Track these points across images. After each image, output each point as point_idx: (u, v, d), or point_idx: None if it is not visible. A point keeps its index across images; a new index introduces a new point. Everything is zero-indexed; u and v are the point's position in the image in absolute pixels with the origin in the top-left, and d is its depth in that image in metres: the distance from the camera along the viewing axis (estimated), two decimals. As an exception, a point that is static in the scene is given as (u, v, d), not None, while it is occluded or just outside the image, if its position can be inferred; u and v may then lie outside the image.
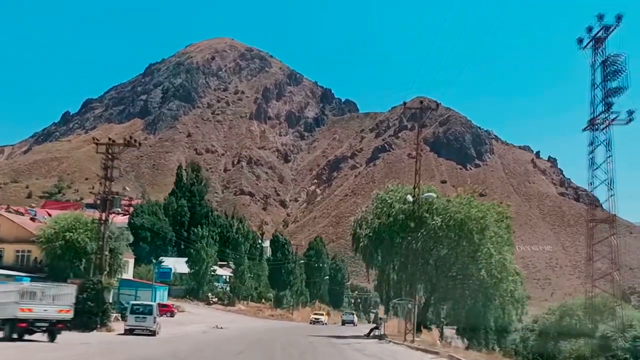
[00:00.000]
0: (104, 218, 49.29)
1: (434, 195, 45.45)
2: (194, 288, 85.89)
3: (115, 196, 52.19)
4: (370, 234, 48.07)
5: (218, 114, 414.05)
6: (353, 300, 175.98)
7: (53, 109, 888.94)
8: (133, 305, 44.29)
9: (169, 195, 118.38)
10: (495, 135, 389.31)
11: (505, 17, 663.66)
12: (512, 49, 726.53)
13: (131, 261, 78.01)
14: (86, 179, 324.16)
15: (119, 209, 64.36)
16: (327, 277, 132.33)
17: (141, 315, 42.10)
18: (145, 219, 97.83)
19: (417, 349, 35.31)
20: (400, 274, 47.69)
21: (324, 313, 78.33)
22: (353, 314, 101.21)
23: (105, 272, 53.10)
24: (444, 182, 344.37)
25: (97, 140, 58.46)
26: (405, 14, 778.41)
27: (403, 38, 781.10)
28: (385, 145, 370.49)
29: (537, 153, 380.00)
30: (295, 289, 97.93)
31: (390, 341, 43.22)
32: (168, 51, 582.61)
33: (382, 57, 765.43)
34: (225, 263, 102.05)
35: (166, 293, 77.47)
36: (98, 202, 51.34)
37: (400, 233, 45.83)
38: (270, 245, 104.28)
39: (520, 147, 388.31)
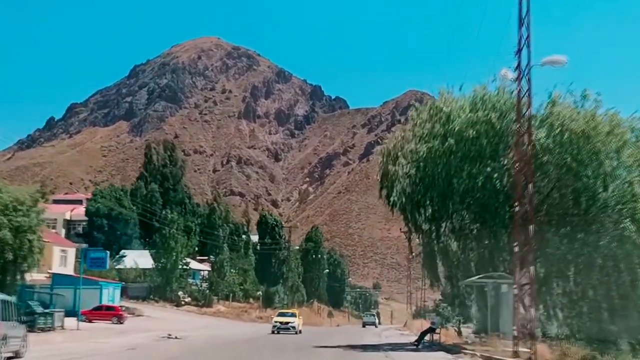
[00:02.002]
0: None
1: (563, 59, 22.98)
2: (160, 286, 65.41)
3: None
4: (412, 172, 27.83)
5: (206, 114, 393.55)
6: (353, 300, 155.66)
7: (38, 115, 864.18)
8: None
9: (137, 179, 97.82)
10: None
11: (495, 10, 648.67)
12: (503, 38, 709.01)
13: (71, 251, 57.39)
14: (70, 183, 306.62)
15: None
16: (327, 270, 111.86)
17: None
18: (101, 202, 77.35)
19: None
20: (467, 240, 27.52)
21: (296, 313, 50.16)
22: (374, 315, 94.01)
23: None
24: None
25: None
26: (393, 8, 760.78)
27: (391, 32, 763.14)
28: (378, 140, 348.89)
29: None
30: (289, 284, 76.47)
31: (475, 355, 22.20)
32: (153, 52, 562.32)
33: (371, 52, 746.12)
34: (207, 258, 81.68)
35: (118, 292, 57.10)
36: None
37: (466, 167, 25.58)
38: (257, 228, 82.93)
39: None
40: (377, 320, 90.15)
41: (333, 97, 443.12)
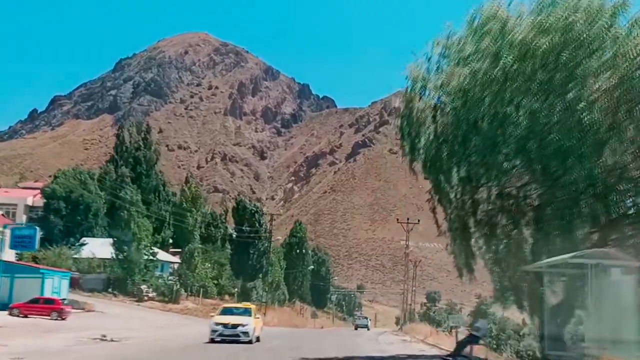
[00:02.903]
0: None
1: None
2: (121, 278, 56.16)
3: None
4: (446, 111, 18.92)
5: (191, 110, 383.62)
6: (337, 301, 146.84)
7: (21, 107, 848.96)
8: None
9: (106, 163, 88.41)
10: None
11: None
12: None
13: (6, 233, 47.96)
14: (50, 176, 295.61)
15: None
16: (312, 267, 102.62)
17: None
18: (60, 184, 68.01)
19: None
20: (522, 209, 18.49)
21: (252, 309, 31.58)
22: (367, 318, 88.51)
23: None
24: (427, 178, 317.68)
25: None
26: (383, 8, 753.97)
27: (381, 32, 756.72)
28: (366, 140, 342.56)
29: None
30: (269, 279, 66.59)
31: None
32: (140, 46, 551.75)
33: (361, 52, 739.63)
34: (180, 251, 72.37)
35: (66, 283, 47.85)
36: None
37: (528, 99, 16.65)
38: (232, 215, 72.27)
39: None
40: (370, 324, 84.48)
41: (321, 97, 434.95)
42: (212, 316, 30.97)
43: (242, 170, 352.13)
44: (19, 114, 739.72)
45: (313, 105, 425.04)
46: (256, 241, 60.19)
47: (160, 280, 58.74)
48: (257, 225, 61.01)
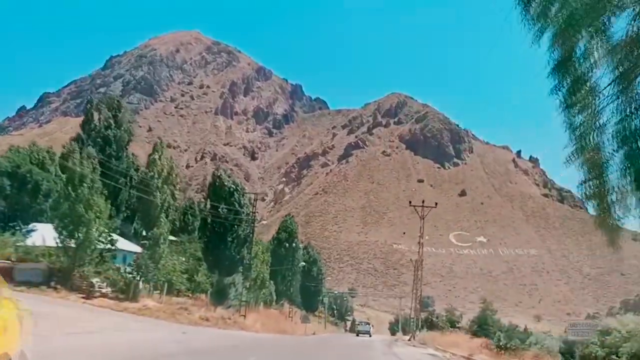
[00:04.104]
0: None
1: None
2: (66, 269, 44.23)
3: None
4: None
5: (182, 109, 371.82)
6: (328, 304, 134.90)
7: (10, 105, 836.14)
8: None
9: (71, 141, 76.21)
10: (474, 135, 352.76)
11: (481, 14, 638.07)
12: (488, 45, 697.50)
13: None
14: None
15: None
16: (304, 264, 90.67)
17: None
18: (8, 158, 56.16)
19: None
20: None
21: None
22: (369, 324, 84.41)
23: None
24: (420, 181, 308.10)
25: None
26: (376, 10, 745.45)
27: (375, 34, 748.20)
28: (359, 142, 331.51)
29: (519, 152, 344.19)
30: (252, 275, 53.58)
31: None
32: (130, 44, 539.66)
33: (354, 54, 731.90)
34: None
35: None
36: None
37: None
38: (207, 194, 56.07)
39: (500, 147, 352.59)
40: (371, 330, 78.52)
41: (313, 98, 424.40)
42: (205, 319, 19.62)
43: (232, 170, 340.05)
44: (7, 111, 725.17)
45: (305, 106, 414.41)
46: (235, 226, 47.48)
47: (118, 274, 46.79)
48: (236, 206, 48.16)
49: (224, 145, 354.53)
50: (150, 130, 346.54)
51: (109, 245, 47.85)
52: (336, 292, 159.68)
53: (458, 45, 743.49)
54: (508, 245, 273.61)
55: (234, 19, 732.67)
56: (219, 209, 46.32)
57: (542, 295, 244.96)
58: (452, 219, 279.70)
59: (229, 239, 47.13)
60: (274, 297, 77.81)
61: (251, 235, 49.81)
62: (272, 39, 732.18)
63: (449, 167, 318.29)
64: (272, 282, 75.66)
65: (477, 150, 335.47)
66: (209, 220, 47.80)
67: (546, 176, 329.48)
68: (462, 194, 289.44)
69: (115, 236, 49.56)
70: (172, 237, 64.15)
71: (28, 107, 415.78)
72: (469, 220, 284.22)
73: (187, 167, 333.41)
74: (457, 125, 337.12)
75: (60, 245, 45.75)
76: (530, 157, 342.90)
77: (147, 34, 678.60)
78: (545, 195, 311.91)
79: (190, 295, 51.71)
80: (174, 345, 26.44)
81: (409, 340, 46.98)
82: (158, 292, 49.07)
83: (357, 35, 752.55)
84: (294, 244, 79.60)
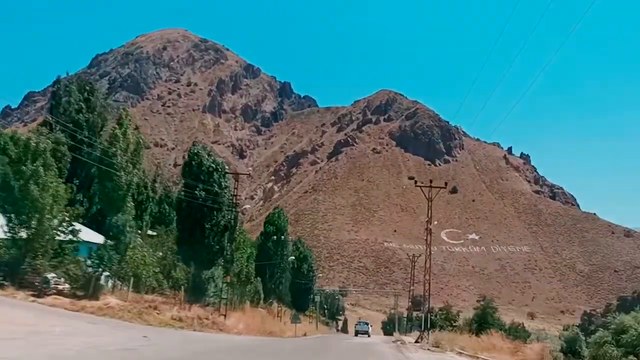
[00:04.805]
0: None
1: None
2: (15, 262, 37.31)
3: None
4: None
5: (169, 107, 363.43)
6: (319, 303, 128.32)
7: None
8: None
9: (38, 126, 68.83)
10: (464, 132, 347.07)
11: (468, 10, 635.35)
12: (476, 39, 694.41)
13: None
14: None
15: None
16: (293, 258, 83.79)
17: None
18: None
19: None
20: None
21: None
22: (368, 324, 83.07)
23: None
24: (411, 178, 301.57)
25: None
26: (364, 7, 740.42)
27: (364, 31, 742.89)
28: (348, 139, 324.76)
29: (510, 149, 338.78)
30: (236, 269, 46.43)
31: None
32: (117, 42, 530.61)
33: (343, 51, 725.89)
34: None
35: None
36: None
37: None
38: (182, 174, 46.45)
39: (491, 144, 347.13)
40: (370, 329, 77.82)
41: (302, 95, 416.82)
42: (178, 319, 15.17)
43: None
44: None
45: (294, 104, 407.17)
46: (215, 212, 39.80)
47: (78, 268, 39.85)
48: (216, 188, 40.19)
49: (212, 143, 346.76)
50: (136, 128, 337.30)
51: (70, 236, 40.87)
52: (327, 290, 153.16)
53: (449, 41, 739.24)
54: (500, 243, 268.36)
55: (221, 17, 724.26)
56: (196, 192, 39.35)
57: (535, 293, 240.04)
58: (443, 216, 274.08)
59: (207, 225, 40.06)
60: (262, 295, 71.03)
61: (232, 222, 42.85)
62: (260, 36, 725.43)
63: (439, 164, 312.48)
64: (259, 279, 68.90)
65: (467, 147, 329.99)
66: (183, 205, 40.78)
67: (537, 172, 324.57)
68: (453, 191, 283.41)
69: (78, 226, 42.54)
70: (151, 232, 56.98)
71: (13, 107, 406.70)
72: (460, 218, 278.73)
73: (175, 165, 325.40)
74: (448, 122, 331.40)
75: (8, 235, 38.84)
76: (522, 153, 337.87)
77: (134, 32, 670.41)
78: (537, 192, 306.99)
79: (162, 292, 44.39)
80: (122, 355, 19.80)
81: (417, 342, 40.26)
82: (128, 288, 42.13)
83: (346, 33, 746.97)
84: (282, 238, 72.64)
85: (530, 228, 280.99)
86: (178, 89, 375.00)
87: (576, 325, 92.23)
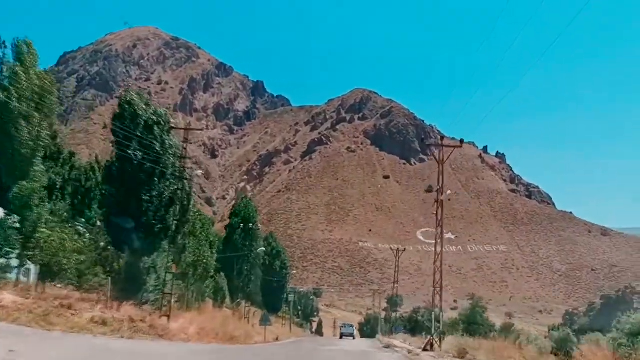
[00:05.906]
0: None
1: None
2: None
3: None
4: None
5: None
6: (292, 303, 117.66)
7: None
8: None
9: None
10: (439, 131, 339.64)
11: (443, 8, 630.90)
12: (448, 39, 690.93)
13: None
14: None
15: None
16: (263, 249, 73.24)
17: None
18: None
19: None
20: None
21: None
22: (353, 326, 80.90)
23: None
24: (386, 177, 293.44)
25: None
26: (338, 6, 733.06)
27: (337, 30, 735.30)
28: (322, 138, 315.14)
29: (485, 148, 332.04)
30: (189, 257, 35.07)
31: None
32: (86, 40, 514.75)
33: (316, 50, 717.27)
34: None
35: None
36: None
37: None
38: (112, 132, 31.57)
39: (466, 143, 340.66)
40: (355, 332, 75.85)
41: (276, 95, 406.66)
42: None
43: (191, 168, 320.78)
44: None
45: (267, 103, 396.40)
46: (156, 179, 28.26)
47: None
48: (158, 147, 28.32)
49: (183, 142, 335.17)
50: (105, 127, 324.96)
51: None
52: (301, 290, 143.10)
53: (423, 39, 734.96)
54: (477, 242, 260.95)
55: (193, 15, 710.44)
56: (129, 151, 28.75)
57: (513, 292, 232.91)
58: (419, 215, 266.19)
59: (145, 197, 29.31)
60: (227, 294, 60.52)
61: (183, 195, 32.22)
62: (233, 35, 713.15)
63: (414, 163, 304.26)
64: (222, 274, 58.47)
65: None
66: (114, 170, 29.94)
67: (513, 172, 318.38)
68: (429, 190, 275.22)
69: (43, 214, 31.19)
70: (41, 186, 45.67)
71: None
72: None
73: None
74: (423, 121, 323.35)
75: None
76: (497, 152, 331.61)
77: (103, 30, 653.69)
78: (513, 191, 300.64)
79: (83, 285, 32.55)
80: None
81: (425, 349, 29.98)
82: (33, 281, 31.29)
83: (320, 31, 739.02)
84: (251, 228, 62.10)
85: (506, 227, 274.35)
86: (148, 87, 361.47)
87: (560, 325, 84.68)
